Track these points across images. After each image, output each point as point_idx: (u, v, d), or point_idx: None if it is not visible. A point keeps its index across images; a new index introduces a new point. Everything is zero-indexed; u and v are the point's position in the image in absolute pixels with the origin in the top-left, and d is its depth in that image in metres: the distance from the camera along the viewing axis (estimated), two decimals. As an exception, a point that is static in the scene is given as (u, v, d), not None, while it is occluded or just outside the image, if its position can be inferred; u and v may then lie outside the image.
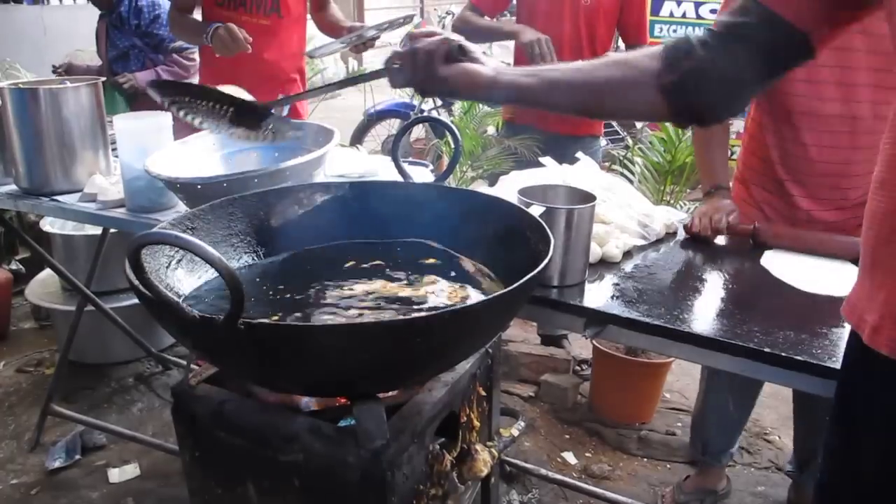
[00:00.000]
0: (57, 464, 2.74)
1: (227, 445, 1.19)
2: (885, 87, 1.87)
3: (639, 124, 5.49)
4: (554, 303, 1.51)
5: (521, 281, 1.00)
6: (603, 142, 5.07)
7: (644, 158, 3.19)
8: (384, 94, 6.79)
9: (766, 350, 1.31)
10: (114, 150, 2.23)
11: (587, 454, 2.96)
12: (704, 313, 1.47)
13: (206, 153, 2.10)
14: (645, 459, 2.93)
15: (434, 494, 1.26)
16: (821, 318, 1.43)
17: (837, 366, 1.26)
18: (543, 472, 2.52)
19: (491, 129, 3.60)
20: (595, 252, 1.69)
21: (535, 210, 1.43)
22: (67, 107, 2.17)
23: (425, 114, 6.06)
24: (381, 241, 1.48)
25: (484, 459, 1.29)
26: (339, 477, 1.09)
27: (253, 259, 1.42)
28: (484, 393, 1.39)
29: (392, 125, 6.41)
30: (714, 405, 2.54)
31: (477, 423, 1.36)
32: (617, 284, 1.58)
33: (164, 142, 2.04)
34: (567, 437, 3.07)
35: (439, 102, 6.26)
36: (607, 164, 4.38)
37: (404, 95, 6.35)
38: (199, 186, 1.77)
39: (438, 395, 1.20)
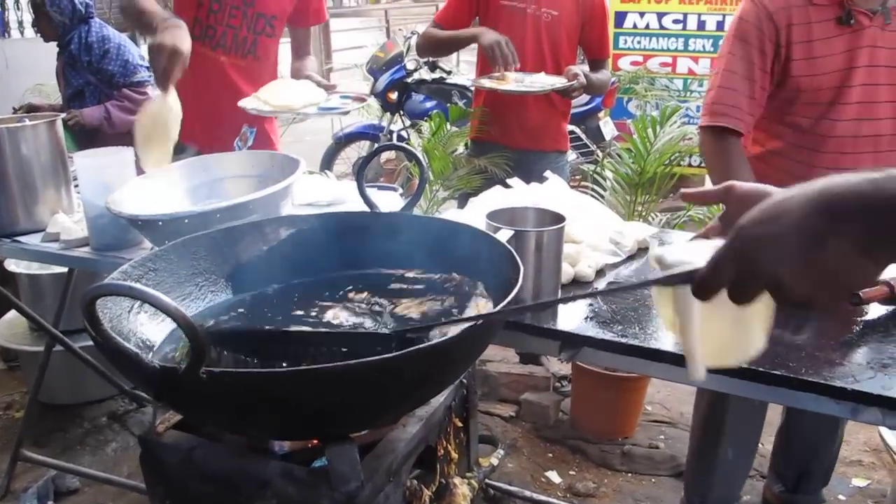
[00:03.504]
0: (29, 511, 2.67)
1: (199, 493, 1.15)
2: None
3: (607, 136, 5.53)
4: (528, 327, 1.49)
5: (490, 312, 0.98)
6: (573, 155, 5.11)
7: (614, 172, 3.19)
8: (352, 115, 6.79)
9: (744, 366, 1.30)
10: (76, 187, 2.19)
11: (571, 472, 2.94)
12: (679, 331, 1.46)
13: (171, 187, 2.06)
14: (629, 474, 2.92)
15: (414, 531, 1.23)
16: (797, 329, 1.43)
17: (815, 379, 1.26)
18: (528, 493, 2.50)
19: (461, 149, 3.59)
20: (567, 272, 1.68)
21: (504, 234, 1.41)
22: (27, 145, 2.12)
23: (394, 134, 6.07)
24: (350, 274, 1.45)
25: (463, 493, 1.27)
26: (313, 521, 1.06)
27: (219, 297, 1.38)
28: (460, 424, 1.37)
29: (362, 147, 6.40)
30: (709, 452, 2.36)
31: (455, 455, 1.34)
32: (591, 305, 1.57)
33: (128, 177, 2.00)
34: (550, 455, 3.05)
35: (408, 123, 6.27)
36: (578, 177, 4.40)
37: (373, 116, 6.35)
38: (160, 223, 1.74)
39: (413, 431, 1.18)
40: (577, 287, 1.68)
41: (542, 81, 2.82)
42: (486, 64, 2.93)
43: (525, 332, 1.49)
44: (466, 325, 0.98)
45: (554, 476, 2.92)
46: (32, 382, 2.95)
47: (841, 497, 2.77)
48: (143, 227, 1.80)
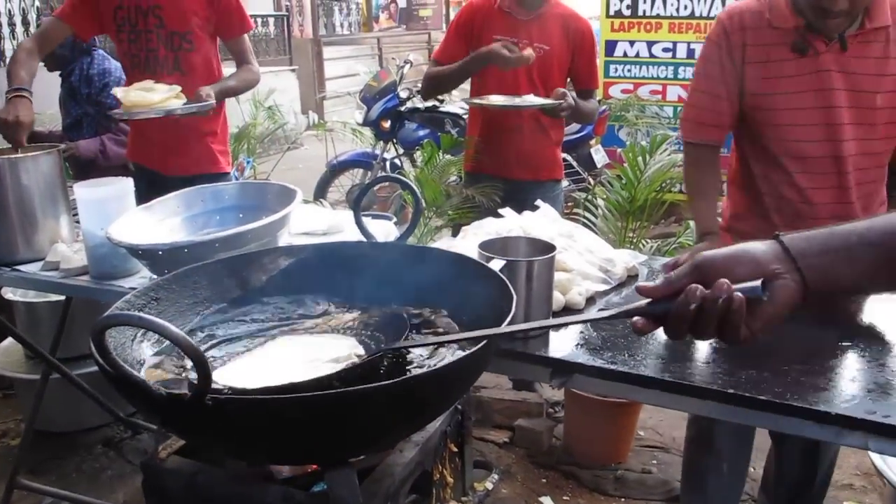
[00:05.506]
0: (25, 539, 2.68)
1: (200, 518, 1.18)
2: (866, 123, 1.94)
3: (598, 164, 5.60)
4: (520, 354, 1.52)
5: (484, 342, 1.02)
6: (565, 183, 5.17)
7: (605, 200, 3.25)
8: (345, 143, 6.85)
9: (730, 391, 1.34)
10: (76, 216, 2.23)
11: (565, 497, 2.96)
12: (668, 356, 1.49)
13: (169, 216, 2.10)
14: (623, 499, 2.94)
15: (410, 555, 1.26)
16: (783, 354, 1.46)
17: (799, 403, 1.29)
18: (521, 519, 2.52)
19: (455, 177, 3.64)
20: (558, 300, 1.71)
21: (496, 264, 1.45)
22: (27, 176, 2.16)
23: (388, 162, 6.13)
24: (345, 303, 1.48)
25: (458, 517, 1.30)
26: (313, 544, 1.09)
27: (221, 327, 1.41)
28: (456, 449, 1.40)
29: (355, 175, 6.45)
30: (700, 473, 2.41)
31: (450, 480, 1.37)
32: (581, 332, 1.60)
33: (127, 207, 2.04)
34: (544, 480, 3.07)
35: (401, 151, 6.33)
36: (570, 204, 4.45)
37: (366, 144, 6.41)
38: (160, 252, 1.77)
39: (410, 456, 1.21)
40: (568, 314, 1.72)
41: (531, 100, 2.90)
42: (481, 85, 3.01)
43: (517, 360, 1.52)
44: (458, 350, 1.02)
45: (548, 501, 2.93)
46: (28, 410, 2.97)
47: (832, 521, 2.79)
48: (143, 256, 1.84)
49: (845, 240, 0.88)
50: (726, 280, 0.85)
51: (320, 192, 6.45)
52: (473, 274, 1.36)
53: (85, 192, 2.01)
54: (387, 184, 6.56)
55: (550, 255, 1.55)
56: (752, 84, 2.02)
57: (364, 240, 1.58)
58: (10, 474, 2.81)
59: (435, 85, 3.22)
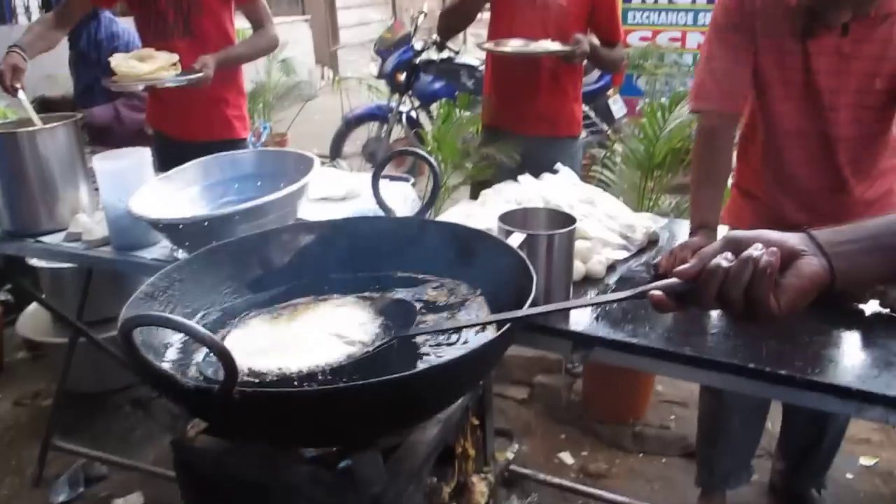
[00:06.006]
0: (61, 499, 2.76)
1: (229, 496, 1.21)
2: (861, 106, 1.89)
3: (616, 115, 5.53)
4: (540, 328, 1.53)
5: (505, 327, 1.03)
6: (583, 134, 5.12)
7: (624, 157, 3.21)
8: (361, 94, 6.80)
9: (750, 366, 1.35)
10: (95, 185, 2.24)
11: (584, 453, 3.00)
12: (689, 329, 1.50)
13: (187, 186, 2.11)
14: (641, 455, 2.98)
15: (434, 527, 1.29)
16: (805, 327, 1.46)
17: (820, 378, 1.30)
18: (542, 476, 2.56)
19: (472, 134, 3.62)
20: (578, 269, 1.72)
21: (516, 238, 1.45)
22: (46, 148, 2.17)
23: (403, 115, 6.09)
24: (366, 276, 1.49)
25: (481, 491, 1.32)
26: (340, 522, 1.12)
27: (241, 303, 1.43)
28: (477, 422, 1.42)
29: (371, 128, 6.41)
30: (716, 424, 2.43)
31: (472, 453, 1.39)
32: (601, 304, 1.61)
33: (146, 177, 2.05)
34: (563, 436, 3.11)
35: (417, 103, 6.28)
36: (589, 159, 4.41)
37: (381, 98, 6.36)
38: (181, 226, 1.79)
39: (433, 433, 1.23)
40: (589, 284, 1.72)
41: (545, 46, 2.84)
42: (496, 27, 2.96)
43: (537, 333, 1.53)
44: (481, 335, 1.03)
45: (567, 457, 2.97)
46: (57, 372, 3.02)
47: (848, 476, 2.82)
48: (163, 229, 1.86)
49: (872, 231, 0.88)
50: (759, 244, 0.86)
51: (336, 147, 6.43)
52: (494, 251, 1.36)
53: (104, 164, 2.02)
54: (403, 137, 6.54)
55: (571, 227, 1.55)
56: (763, 61, 1.96)
57: (383, 214, 1.58)
58: (45, 436, 2.89)
59: (449, 19, 3.11)
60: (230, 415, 0.96)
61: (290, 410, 0.93)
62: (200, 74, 2.68)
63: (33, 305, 3.56)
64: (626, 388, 3.14)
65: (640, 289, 0.94)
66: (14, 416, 3.38)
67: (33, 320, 3.45)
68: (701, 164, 2.02)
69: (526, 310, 1.07)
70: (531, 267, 1.21)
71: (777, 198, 2.05)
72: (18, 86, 2.49)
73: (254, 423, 0.98)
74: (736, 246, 0.88)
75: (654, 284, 0.92)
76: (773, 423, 3.04)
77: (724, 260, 0.86)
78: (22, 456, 3.07)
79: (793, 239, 0.89)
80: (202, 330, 0.83)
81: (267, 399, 0.92)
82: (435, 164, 1.50)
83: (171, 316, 0.83)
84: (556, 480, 2.56)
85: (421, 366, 0.95)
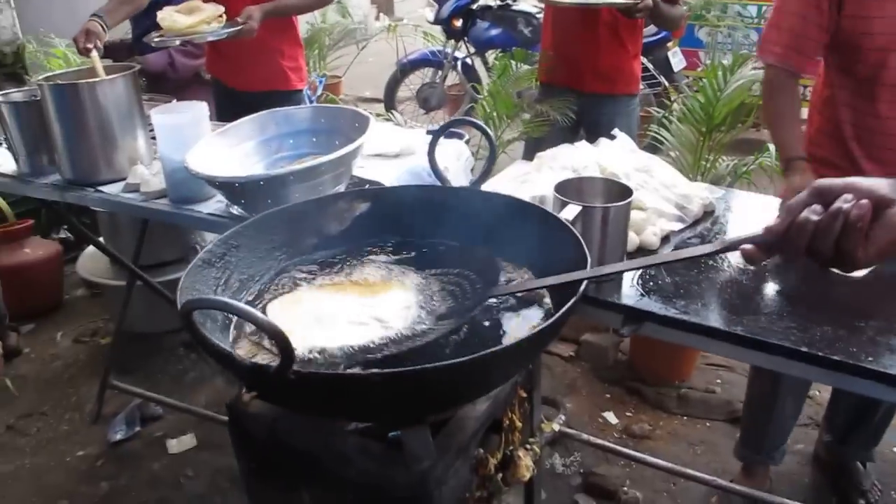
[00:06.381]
0: (119, 436, 2.87)
1: (282, 462, 1.25)
2: None
3: (675, 67, 5.38)
4: (591, 299, 1.52)
5: (563, 309, 1.03)
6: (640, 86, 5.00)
7: (681, 118, 3.13)
8: (415, 41, 6.72)
9: (803, 349, 1.33)
10: (153, 135, 2.27)
11: (628, 413, 3.01)
12: (742, 307, 1.48)
13: (243, 141, 2.12)
14: (684, 418, 2.98)
15: (479, 496, 1.31)
16: (861, 310, 1.43)
17: (874, 366, 1.27)
18: (585, 437, 2.57)
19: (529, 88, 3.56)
20: (632, 240, 1.69)
21: (572, 210, 1.44)
22: (106, 98, 2.19)
23: (458, 61, 6.02)
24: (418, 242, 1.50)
25: (527, 465, 1.34)
26: (389, 494, 1.14)
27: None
28: (525, 394, 1.43)
29: (425, 74, 6.36)
30: (770, 404, 2.41)
31: (519, 424, 1.40)
32: (654, 276, 1.59)
33: (203, 132, 2.07)
34: (608, 396, 3.12)
35: (472, 50, 6.19)
36: (645, 115, 4.32)
37: (436, 43, 6.29)
38: (237, 185, 1.81)
39: (482, 409, 1.24)
40: (642, 255, 1.70)
41: None
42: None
43: (588, 304, 1.53)
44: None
45: (611, 417, 2.99)
46: (114, 312, 3.12)
47: (896, 450, 2.79)
48: (220, 186, 1.87)
49: None
50: (848, 195, 0.84)
51: (390, 93, 6.39)
52: (547, 225, 1.35)
53: (162, 118, 2.04)
54: (457, 81, 6.47)
55: (627, 200, 1.52)
56: (851, 6, 1.89)
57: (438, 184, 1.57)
58: (103, 374, 3.00)
59: None
60: (285, 392, 0.98)
61: (344, 392, 0.95)
62: (242, 27, 2.68)
63: (92, 247, 3.65)
64: (672, 350, 3.13)
65: (728, 241, 0.94)
66: (74, 353, 3.51)
67: (92, 261, 3.55)
68: (769, 108, 2.08)
69: (612, 266, 1.06)
70: (585, 247, 1.20)
71: (860, 164, 2.01)
72: (91, 47, 2.53)
73: (307, 401, 1.01)
74: (825, 196, 0.87)
75: (743, 237, 0.92)
76: (821, 391, 3.02)
77: (813, 214, 0.85)
78: (81, 393, 3.20)
79: (883, 187, 0.86)
80: (259, 315, 0.84)
81: (321, 380, 0.94)
82: (492, 135, 1.48)
83: (228, 301, 0.85)
84: (599, 442, 2.58)
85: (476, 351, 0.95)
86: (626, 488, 2.60)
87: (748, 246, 0.90)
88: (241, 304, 0.84)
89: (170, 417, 3.01)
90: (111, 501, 2.62)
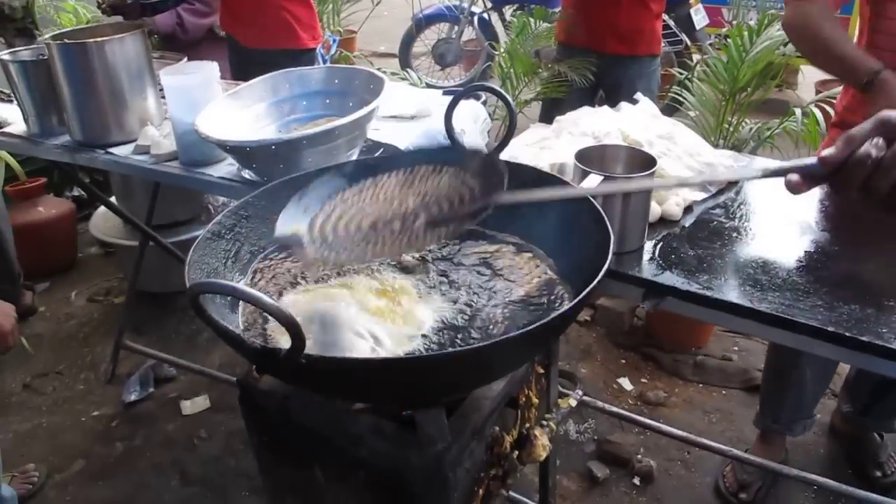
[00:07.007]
0: (133, 397, 2.88)
1: (293, 436, 1.22)
2: None
3: (698, 25, 5.25)
4: (612, 272, 1.48)
5: (590, 286, 0.99)
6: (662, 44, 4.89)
7: (705, 79, 3.04)
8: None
9: (830, 329, 1.28)
10: (163, 95, 2.22)
11: (643, 380, 2.99)
12: (766, 283, 1.43)
13: (255, 102, 2.07)
14: (700, 385, 2.95)
15: (495, 475, 1.29)
16: (892, 287, 1.39)
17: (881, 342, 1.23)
18: (599, 404, 2.54)
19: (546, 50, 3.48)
20: (654, 211, 1.65)
21: (593, 179, 1.40)
22: (115, 57, 2.14)
23: (475, 16, 5.90)
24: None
25: (543, 444, 1.31)
26: (402, 474, 1.12)
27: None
28: (542, 371, 1.40)
29: (441, 29, 6.24)
30: (788, 375, 2.35)
31: (535, 401, 1.37)
32: (676, 248, 1.55)
33: (213, 94, 2.03)
34: (623, 362, 3.09)
35: (489, 5, 6.07)
36: (665, 73, 4.22)
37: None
38: (248, 149, 1.77)
39: (498, 389, 1.21)
40: (664, 226, 1.66)
41: None
42: None
43: (609, 278, 1.48)
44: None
45: (626, 383, 2.97)
46: (127, 271, 3.10)
47: (916, 420, 2.75)
48: (231, 150, 1.84)
49: None
50: None
51: (405, 49, 6.29)
52: (571, 201, 1.30)
53: (172, 79, 1.99)
54: (474, 37, 6.35)
55: (650, 171, 1.47)
56: None
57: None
58: (118, 335, 3.00)
59: None
60: (296, 376, 0.95)
61: (355, 376, 0.92)
62: None
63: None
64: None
65: (777, 166, 0.88)
66: (88, 312, 3.51)
67: (105, 221, 3.53)
68: (821, 36, 1.91)
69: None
70: (609, 225, 1.16)
71: None
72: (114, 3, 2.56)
73: (318, 384, 0.98)
74: (889, 129, 0.82)
75: (792, 164, 0.87)
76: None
77: (875, 148, 0.81)
78: (96, 352, 3.20)
79: None
80: (269, 300, 0.81)
81: (332, 364, 0.90)
82: (512, 104, 1.42)
83: (237, 286, 0.81)
84: (614, 409, 2.55)
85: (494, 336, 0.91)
86: (639, 456, 2.58)
87: (794, 176, 0.85)
88: (251, 290, 0.80)
89: (183, 378, 3.01)
90: (126, 462, 2.63)
